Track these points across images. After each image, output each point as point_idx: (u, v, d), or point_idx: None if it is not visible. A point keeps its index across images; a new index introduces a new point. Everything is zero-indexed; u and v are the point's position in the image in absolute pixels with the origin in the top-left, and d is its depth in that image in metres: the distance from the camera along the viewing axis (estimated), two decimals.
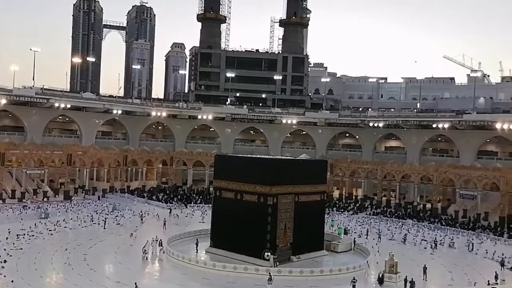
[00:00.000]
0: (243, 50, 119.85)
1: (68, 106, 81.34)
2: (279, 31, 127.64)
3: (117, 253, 42.74)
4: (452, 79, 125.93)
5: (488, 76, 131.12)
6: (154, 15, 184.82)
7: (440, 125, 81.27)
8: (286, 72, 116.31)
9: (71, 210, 62.20)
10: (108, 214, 60.21)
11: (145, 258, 40.25)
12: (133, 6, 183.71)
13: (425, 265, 38.70)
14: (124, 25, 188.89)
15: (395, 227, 61.14)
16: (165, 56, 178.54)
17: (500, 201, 65.77)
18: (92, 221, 56.16)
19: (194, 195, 79.76)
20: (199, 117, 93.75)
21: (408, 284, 34.55)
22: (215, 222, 45.24)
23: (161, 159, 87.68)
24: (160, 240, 43.64)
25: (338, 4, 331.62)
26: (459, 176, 71.23)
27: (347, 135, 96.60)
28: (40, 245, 43.72)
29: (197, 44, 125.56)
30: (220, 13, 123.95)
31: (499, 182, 66.16)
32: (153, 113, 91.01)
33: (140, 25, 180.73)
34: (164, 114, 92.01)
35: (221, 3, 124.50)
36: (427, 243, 52.19)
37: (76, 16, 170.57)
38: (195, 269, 38.28)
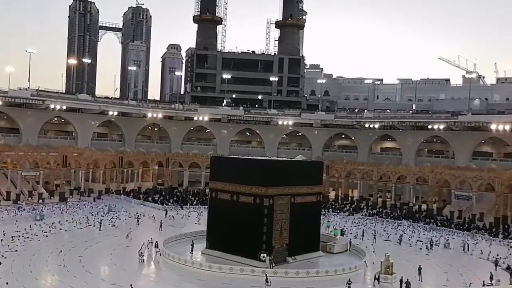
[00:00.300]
0: (239, 52, 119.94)
1: (64, 107, 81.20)
2: (275, 33, 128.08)
3: (112, 255, 42.59)
4: (448, 80, 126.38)
5: (483, 77, 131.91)
6: (150, 16, 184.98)
7: (435, 126, 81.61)
8: (282, 73, 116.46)
9: (66, 212, 62.04)
10: (103, 216, 60.02)
11: (141, 260, 40.14)
12: (129, 8, 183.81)
13: (420, 265, 38.82)
14: (120, 26, 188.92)
15: (391, 228, 61.32)
16: (161, 57, 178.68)
17: (495, 202, 66.07)
18: (88, 223, 55.96)
19: (190, 197, 79.69)
20: (195, 118, 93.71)
21: (404, 285, 34.64)
22: (211, 224, 45.21)
23: (157, 160, 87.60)
24: (156, 242, 43.60)
25: (334, 6, 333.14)
26: (454, 177, 71.48)
27: (343, 136, 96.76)
28: (35, 247, 43.55)
29: (193, 46, 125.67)
30: (216, 14, 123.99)
31: (494, 183, 66.47)
32: (149, 115, 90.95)
33: (136, 26, 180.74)
34: (160, 115, 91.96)
35: (217, 4, 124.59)
36: (422, 243, 52.35)
37: (72, 17, 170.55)
38: (191, 270, 38.23)
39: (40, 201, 67.83)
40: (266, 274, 34.92)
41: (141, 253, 40.57)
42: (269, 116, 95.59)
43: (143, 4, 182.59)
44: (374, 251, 46.55)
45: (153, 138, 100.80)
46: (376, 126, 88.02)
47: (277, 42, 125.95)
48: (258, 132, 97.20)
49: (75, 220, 56.37)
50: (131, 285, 31.91)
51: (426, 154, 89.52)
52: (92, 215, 60.49)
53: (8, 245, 42.78)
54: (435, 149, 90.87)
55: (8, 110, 78.38)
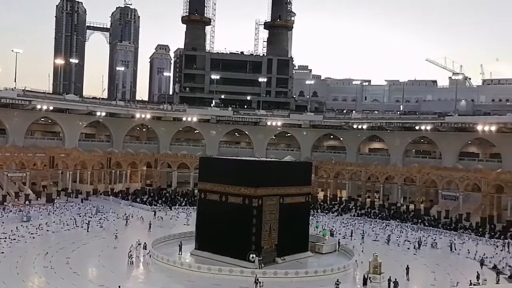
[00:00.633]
0: (228, 52, 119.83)
1: (51, 108, 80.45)
2: (264, 34, 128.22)
3: (100, 256, 42.29)
4: (435, 82, 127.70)
5: (470, 79, 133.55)
6: (139, 16, 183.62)
7: (422, 127, 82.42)
8: (270, 74, 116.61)
9: (53, 213, 61.42)
10: (91, 217, 59.59)
11: (130, 262, 39.88)
12: (117, 8, 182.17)
13: (407, 265, 39.16)
14: (108, 26, 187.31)
15: (379, 228, 61.68)
16: (150, 58, 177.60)
17: (481, 202, 66.81)
18: (75, 224, 55.46)
19: (179, 197, 79.38)
20: (184, 119, 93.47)
21: (392, 284, 34.92)
22: (200, 224, 45.09)
23: (145, 161, 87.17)
24: (145, 243, 43.40)
25: (323, 7, 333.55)
26: (441, 178, 72.16)
27: (332, 137, 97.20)
28: (22, 249, 43.06)
29: (182, 46, 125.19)
30: (205, 15, 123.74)
31: (480, 183, 67.23)
32: (137, 115, 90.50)
33: (124, 26, 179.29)
34: (148, 116, 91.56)
35: (206, 5, 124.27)
36: (410, 243, 52.78)
37: (59, 17, 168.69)
38: (180, 271, 38.13)
39: (27, 202, 67.09)
40: (256, 275, 34.95)
41: (131, 255, 40.32)
42: (258, 117, 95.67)
43: (131, 4, 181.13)
44: (362, 251, 46.86)
45: (142, 138, 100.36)
46: (364, 127, 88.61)
47: (265, 43, 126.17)
48: (247, 132, 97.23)
49: (62, 222, 55.84)
50: (119, 286, 31.74)
51: (413, 154, 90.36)
52: (80, 216, 59.94)
53: None
54: (422, 149, 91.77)
55: None
